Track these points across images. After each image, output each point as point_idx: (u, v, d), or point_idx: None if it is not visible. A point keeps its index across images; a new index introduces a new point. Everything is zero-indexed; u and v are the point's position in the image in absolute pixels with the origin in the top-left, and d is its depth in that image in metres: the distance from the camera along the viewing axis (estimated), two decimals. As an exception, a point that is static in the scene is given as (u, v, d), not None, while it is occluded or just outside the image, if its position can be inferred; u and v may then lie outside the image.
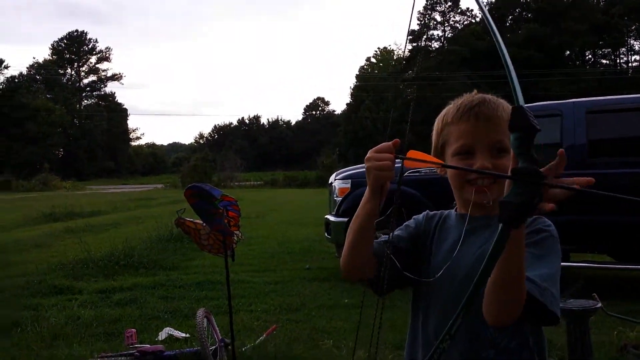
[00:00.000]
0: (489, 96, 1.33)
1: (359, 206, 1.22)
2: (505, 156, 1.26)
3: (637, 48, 59.97)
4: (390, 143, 1.10)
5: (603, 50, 61.07)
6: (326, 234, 7.39)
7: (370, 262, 1.29)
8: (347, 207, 6.90)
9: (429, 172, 6.53)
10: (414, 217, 1.46)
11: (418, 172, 6.68)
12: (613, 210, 5.76)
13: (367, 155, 1.15)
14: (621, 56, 61.52)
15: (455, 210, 1.40)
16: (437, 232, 1.39)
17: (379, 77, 67.11)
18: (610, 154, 6.25)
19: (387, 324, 4.82)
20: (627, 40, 59.46)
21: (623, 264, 6.03)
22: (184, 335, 4.65)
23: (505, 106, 1.31)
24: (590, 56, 61.95)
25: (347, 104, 70.11)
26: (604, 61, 61.77)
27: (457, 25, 64.40)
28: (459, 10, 64.72)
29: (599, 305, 3.45)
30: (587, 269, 6.10)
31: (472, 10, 64.78)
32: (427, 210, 1.47)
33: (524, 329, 1.23)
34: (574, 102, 6.50)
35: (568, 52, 60.40)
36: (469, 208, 1.33)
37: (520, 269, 1.03)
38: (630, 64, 60.96)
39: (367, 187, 1.20)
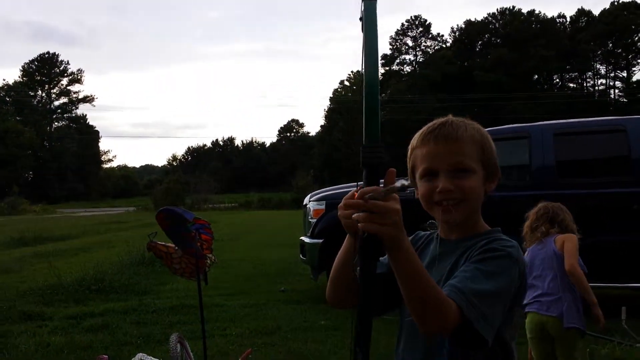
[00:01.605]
0: (453, 118, 1.35)
1: (343, 243, 1.27)
2: (468, 176, 1.28)
3: (602, 72, 61.78)
4: (352, 191, 1.12)
5: (570, 74, 62.81)
6: (301, 256, 7.37)
7: (351, 295, 1.29)
8: (322, 228, 6.91)
9: (408, 193, 6.60)
10: None
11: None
12: (582, 229, 5.87)
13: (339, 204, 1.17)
14: (587, 80, 63.28)
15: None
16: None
17: (352, 100, 67.76)
18: (578, 175, 6.41)
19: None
20: (593, 64, 61.27)
21: (593, 283, 6.12)
22: (157, 360, 4.57)
23: (470, 127, 1.33)
24: (557, 80, 63.59)
25: (321, 126, 70.57)
26: (571, 85, 63.44)
27: (429, 50, 65.62)
28: (430, 36, 66.02)
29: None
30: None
31: (442, 35, 66.22)
32: (418, 232, 1.49)
33: (475, 355, 1.24)
34: (541, 124, 6.67)
35: (536, 76, 61.93)
36: (442, 229, 1.38)
37: (414, 287, 1.07)
38: (596, 88, 62.71)
39: None
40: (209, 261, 3.92)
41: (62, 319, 6.24)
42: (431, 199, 1.31)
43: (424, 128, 1.36)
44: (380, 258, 1.36)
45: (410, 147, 1.39)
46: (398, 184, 0.90)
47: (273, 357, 4.61)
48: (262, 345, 5.00)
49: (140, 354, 4.71)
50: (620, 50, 59.11)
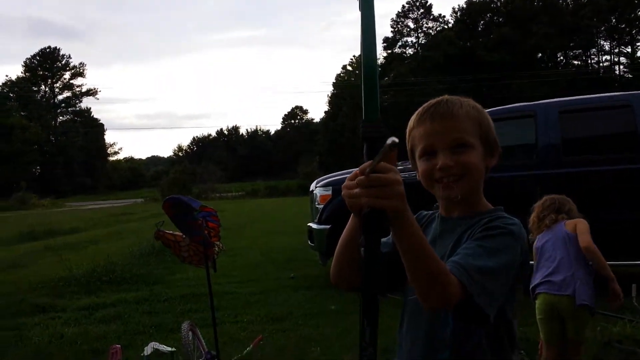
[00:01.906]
0: (448, 97, 1.36)
1: (348, 223, 1.27)
2: (467, 151, 1.29)
3: (607, 48, 61.15)
4: (356, 170, 1.12)
5: (574, 51, 62.19)
6: (309, 242, 7.40)
7: (356, 275, 1.31)
8: (329, 214, 6.92)
9: (408, 177, 6.60)
10: None
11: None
12: (589, 207, 5.85)
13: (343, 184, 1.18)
14: (592, 57, 62.67)
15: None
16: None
17: (355, 85, 67.48)
18: (585, 152, 6.38)
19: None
20: (597, 41, 60.62)
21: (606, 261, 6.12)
22: (169, 349, 4.60)
23: (466, 104, 1.34)
24: (561, 58, 63.00)
25: (325, 112, 70.39)
26: (576, 62, 62.85)
27: (430, 31, 65.10)
28: (432, 17, 65.46)
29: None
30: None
31: (444, 16, 65.63)
32: (421, 211, 1.49)
33: (478, 331, 1.25)
34: (547, 102, 6.63)
35: (540, 55, 61.38)
36: (443, 207, 1.38)
37: (418, 261, 1.07)
38: (600, 64, 62.10)
39: None
40: (217, 249, 3.94)
41: (74, 310, 6.31)
42: (431, 177, 1.32)
43: (420, 109, 1.37)
44: (384, 239, 1.36)
45: (407, 129, 1.39)
46: (388, 141, 0.88)
47: (284, 343, 4.64)
48: (273, 332, 5.04)
49: (153, 342, 4.75)
50: (623, 26, 58.38)
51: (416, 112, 1.37)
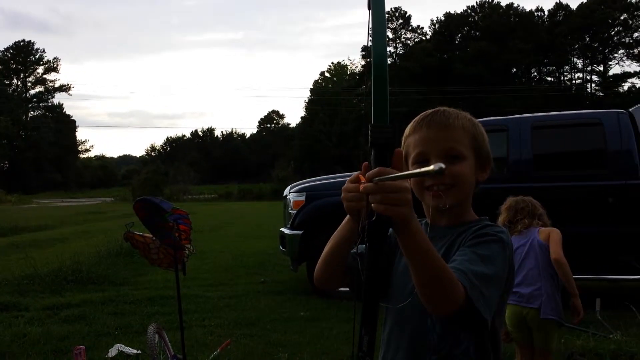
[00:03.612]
0: (446, 108, 1.38)
1: (341, 224, 1.27)
2: (459, 162, 1.30)
3: (579, 66, 62.50)
4: (357, 173, 1.13)
5: (548, 68, 63.46)
6: (281, 247, 7.38)
7: (340, 276, 1.35)
8: (302, 220, 6.92)
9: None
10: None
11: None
12: (557, 221, 5.96)
13: (343, 187, 1.19)
14: (565, 74, 64.00)
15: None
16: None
17: (333, 91, 67.73)
18: (555, 168, 6.49)
19: (343, 336, 4.86)
20: (571, 58, 61.96)
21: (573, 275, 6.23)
22: (135, 351, 4.55)
23: (462, 116, 1.36)
24: (535, 74, 64.22)
25: (301, 117, 70.44)
26: (549, 78, 64.13)
27: (408, 42, 65.77)
28: (410, 28, 66.15)
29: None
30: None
31: (422, 27, 66.40)
32: None
33: (467, 338, 1.26)
34: (519, 117, 6.74)
35: (514, 70, 62.48)
36: (430, 215, 1.39)
37: (426, 267, 1.07)
38: (573, 81, 63.45)
39: None
40: (187, 252, 3.89)
41: (38, 309, 6.17)
42: (422, 185, 1.33)
43: (417, 117, 1.39)
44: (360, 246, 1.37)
45: (403, 136, 1.41)
46: (435, 166, 0.85)
47: (252, 347, 4.61)
48: (242, 336, 5.00)
49: (118, 344, 4.70)
50: (597, 44, 59.84)
51: (413, 120, 1.39)
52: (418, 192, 1.35)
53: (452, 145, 1.31)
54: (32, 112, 77.95)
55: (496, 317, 1.26)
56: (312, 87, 72.88)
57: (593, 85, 63.07)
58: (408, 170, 1.33)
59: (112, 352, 4.55)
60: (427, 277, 1.08)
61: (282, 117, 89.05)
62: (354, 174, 1.15)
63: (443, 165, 0.84)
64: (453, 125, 1.33)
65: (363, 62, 63.54)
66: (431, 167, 0.85)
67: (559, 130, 6.59)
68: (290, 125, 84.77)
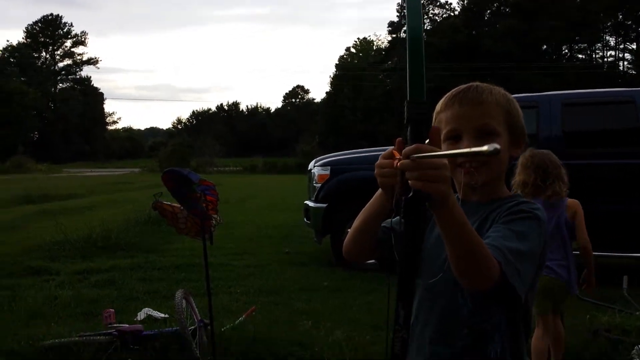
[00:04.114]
0: (478, 83, 1.35)
1: (372, 198, 1.27)
2: (493, 138, 1.27)
3: (612, 44, 60.84)
4: (391, 149, 1.13)
5: (579, 45, 61.86)
6: (305, 220, 7.44)
7: (371, 250, 1.36)
8: (326, 193, 6.96)
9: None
10: None
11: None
12: (585, 199, 5.89)
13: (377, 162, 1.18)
14: (597, 51, 62.38)
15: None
16: (433, 218, 1.42)
17: (358, 67, 67.10)
18: (586, 146, 6.39)
19: (365, 307, 4.91)
20: (603, 36, 60.30)
21: (595, 251, 6.18)
22: (163, 315, 4.66)
23: (496, 91, 1.33)
24: (566, 51, 62.69)
25: (326, 93, 70.05)
26: (580, 56, 62.57)
27: (436, 18, 64.60)
28: (438, 3, 64.91)
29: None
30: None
31: (450, 3, 65.09)
32: None
33: (498, 313, 1.24)
34: (550, 94, 6.62)
35: (545, 47, 61.08)
36: (462, 191, 1.36)
37: (463, 242, 1.06)
38: (605, 59, 61.85)
39: None
40: (214, 222, 3.95)
41: (69, 274, 6.34)
42: (454, 161, 1.29)
43: (449, 93, 1.36)
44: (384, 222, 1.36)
45: (434, 112, 1.38)
46: (490, 147, 0.81)
47: (277, 315, 4.69)
48: (266, 304, 5.09)
49: (147, 308, 4.81)
50: (630, 22, 58.07)
51: (445, 96, 1.37)
52: (450, 168, 1.34)
53: (485, 121, 1.29)
54: (60, 85, 79.07)
55: (529, 293, 1.24)
56: (337, 62, 72.30)
57: (625, 63, 61.43)
58: (443, 147, 1.30)
59: (141, 315, 4.66)
60: (462, 252, 1.07)
61: (307, 92, 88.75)
62: (388, 149, 1.14)
63: (498, 146, 0.81)
64: (486, 101, 1.30)
65: (389, 38, 62.80)
66: (485, 148, 0.82)
67: (590, 108, 6.47)
68: (315, 100, 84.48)
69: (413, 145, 1.02)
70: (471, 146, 1.25)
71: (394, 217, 1.20)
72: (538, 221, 1.23)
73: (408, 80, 1.10)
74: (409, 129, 1.08)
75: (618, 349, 3.56)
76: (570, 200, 3.36)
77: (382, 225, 1.32)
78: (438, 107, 1.37)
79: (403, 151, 1.03)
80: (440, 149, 1.05)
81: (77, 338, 3.79)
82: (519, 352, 1.27)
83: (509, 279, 1.11)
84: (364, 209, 1.30)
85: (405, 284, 1.11)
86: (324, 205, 6.90)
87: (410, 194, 1.04)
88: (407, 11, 1.16)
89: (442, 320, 1.28)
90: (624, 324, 3.92)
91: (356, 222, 1.32)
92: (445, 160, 1.02)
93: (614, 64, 61.28)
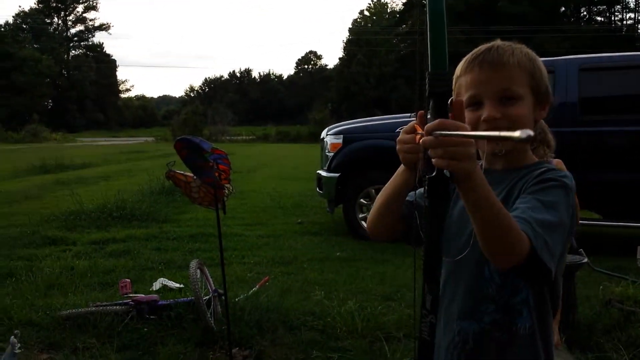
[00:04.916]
0: (499, 43, 1.28)
1: (394, 174, 1.24)
2: (516, 103, 1.23)
3: (632, 6, 59.27)
4: (412, 123, 1.08)
5: (598, 7, 60.33)
6: (318, 189, 7.43)
7: (395, 226, 1.32)
8: (339, 162, 6.93)
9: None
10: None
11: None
12: (600, 167, 5.83)
13: (398, 137, 1.14)
14: (616, 14, 60.84)
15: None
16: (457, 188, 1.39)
17: (372, 31, 66.15)
18: (602, 112, 6.27)
19: (378, 277, 4.93)
20: (623, -3, 58.71)
21: (609, 221, 6.14)
22: (177, 285, 4.72)
23: (517, 51, 1.26)
24: (585, 13, 61.22)
25: (339, 58, 69.36)
26: (599, 18, 61.09)
27: (452, -22, 63.16)
28: (455, -36, 63.38)
29: (586, 260, 3.55)
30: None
31: (467, -37, 63.45)
32: None
33: (526, 287, 1.22)
34: (566, 58, 6.47)
35: (563, 9, 59.66)
36: (486, 159, 1.33)
37: (490, 219, 1.02)
38: (624, 22, 60.35)
39: None
40: (227, 191, 3.95)
41: (85, 244, 6.43)
42: (476, 129, 1.25)
43: (468, 55, 1.29)
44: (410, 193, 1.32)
45: (454, 76, 1.32)
46: (522, 133, 0.72)
47: (290, 285, 4.73)
48: (279, 274, 5.13)
49: (162, 278, 4.88)
50: (652, -17, 56.50)
51: (464, 59, 1.30)
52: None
53: (506, 86, 1.22)
54: (73, 52, 79.06)
55: (558, 264, 1.19)
56: (350, 26, 71.39)
57: (646, 26, 59.91)
58: (466, 119, 1.26)
59: (156, 285, 4.73)
60: (490, 230, 1.03)
61: (319, 57, 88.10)
62: (410, 123, 1.10)
63: (531, 133, 0.74)
64: (507, 63, 1.23)
65: (404, 0, 61.63)
66: (517, 134, 0.74)
67: (608, 73, 6.31)
68: (328, 67, 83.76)
69: (436, 121, 0.97)
70: (493, 111, 1.22)
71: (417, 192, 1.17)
72: (566, 189, 1.18)
73: (429, 49, 1.04)
74: (430, 103, 1.03)
75: (631, 319, 3.55)
76: (555, 160, 3.27)
77: (406, 199, 1.28)
78: (457, 70, 1.31)
79: (425, 127, 0.98)
80: (463, 122, 0.99)
81: (93, 308, 3.86)
82: (546, 326, 1.25)
83: (539, 253, 1.06)
84: (386, 186, 1.26)
85: (431, 267, 1.07)
86: (337, 174, 6.88)
87: (434, 173, 1.01)
88: None
89: (469, 296, 1.25)
90: (637, 294, 3.91)
91: (379, 199, 1.29)
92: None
93: (634, 26, 59.75)
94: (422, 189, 1.12)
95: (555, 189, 1.17)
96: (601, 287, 4.12)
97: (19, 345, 2.96)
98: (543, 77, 1.28)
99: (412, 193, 1.29)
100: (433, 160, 0.98)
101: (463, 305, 1.27)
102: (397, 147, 1.13)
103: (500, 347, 1.22)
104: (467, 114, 1.25)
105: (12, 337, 2.95)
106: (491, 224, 1.02)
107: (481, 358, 1.24)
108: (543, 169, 1.22)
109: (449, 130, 0.95)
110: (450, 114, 1.01)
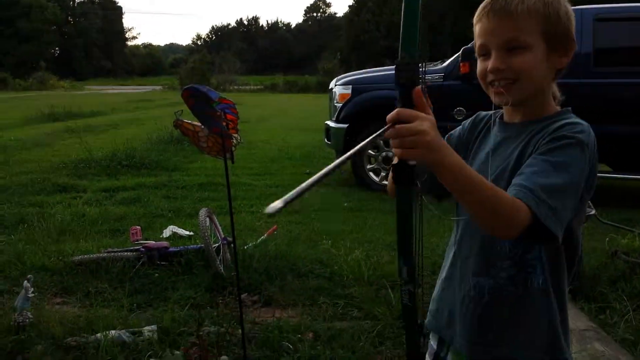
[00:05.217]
0: None
1: None
2: (522, 52, 1.19)
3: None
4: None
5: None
6: (326, 140, 7.41)
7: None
8: (348, 113, 6.89)
9: (434, 80, 6.47)
10: (463, 122, 1.42)
11: (424, 80, 6.61)
12: (612, 120, 5.78)
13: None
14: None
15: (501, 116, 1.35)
16: (477, 141, 1.36)
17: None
18: (616, 64, 6.16)
19: (383, 227, 4.98)
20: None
21: (619, 173, 6.11)
22: (187, 233, 4.79)
23: None
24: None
25: (349, 6, 67.96)
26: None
27: None
28: None
29: (593, 212, 3.55)
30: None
31: None
32: (479, 112, 1.41)
33: (538, 245, 1.21)
34: (581, 8, 6.31)
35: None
36: (506, 111, 1.31)
37: (470, 200, 1.03)
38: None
39: None
40: (234, 141, 3.95)
41: (95, 191, 6.50)
42: (485, 80, 1.24)
43: (484, 1, 1.25)
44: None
45: (474, 24, 1.30)
46: (270, 209, 0.70)
47: (297, 234, 4.78)
48: (287, 223, 5.18)
49: (172, 226, 4.95)
50: None
51: (480, 5, 1.26)
52: (484, 87, 1.27)
53: (512, 36, 1.18)
54: (78, -2, 77.77)
55: (575, 220, 1.18)
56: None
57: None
58: (477, 69, 1.25)
59: (166, 232, 4.80)
60: (475, 209, 1.03)
61: (328, 5, 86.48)
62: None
63: (277, 208, 0.70)
64: (515, 11, 1.18)
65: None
66: (267, 209, 0.71)
67: (624, 24, 6.16)
68: (337, 15, 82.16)
69: (394, 112, 0.97)
70: (496, 62, 1.20)
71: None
72: (580, 146, 1.13)
73: (400, 37, 1.04)
74: (398, 94, 1.03)
75: (636, 271, 3.59)
76: None
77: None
78: (475, 18, 1.27)
79: (387, 118, 0.98)
80: (424, 110, 0.99)
81: (105, 254, 3.93)
82: (561, 282, 1.25)
83: (543, 220, 1.04)
84: None
85: (404, 242, 1.14)
86: (345, 125, 6.85)
87: (396, 162, 1.02)
88: None
89: (484, 253, 1.26)
90: (643, 247, 3.93)
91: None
92: (424, 126, 0.96)
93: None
94: None
95: (569, 147, 1.13)
96: (607, 239, 4.14)
97: (32, 289, 3.04)
98: (561, 20, 1.21)
99: None
100: (393, 149, 0.99)
101: (478, 262, 1.28)
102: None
103: (515, 301, 1.24)
104: (479, 64, 1.26)
105: (26, 281, 3.02)
106: (475, 203, 1.03)
107: (497, 311, 1.26)
108: (561, 123, 1.18)
109: (406, 121, 0.96)
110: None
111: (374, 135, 0.97)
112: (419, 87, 1.02)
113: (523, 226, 1.04)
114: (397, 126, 0.96)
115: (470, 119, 1.42)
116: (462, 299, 1.30)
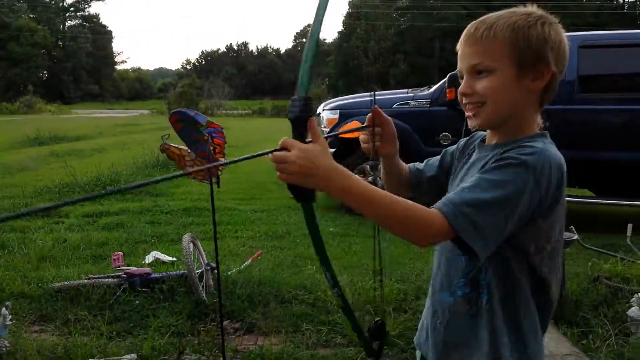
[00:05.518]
0: (486, 17, 1.24)
1: None
2: (486, 77, 1.20)
3: (635, -17, 58.58)
4: (369, 116, 1.34)
5: (600, -16, 59.69)
6: (313, 164, 7.39)
7: (407, 186, 1.53)
8: (335, 138, 6.89)
9: (418, 105, 6.53)
10: (459, 141, 1.47)
11: (407, 104, 6.66)
12: (595, 146, 5.84)
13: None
14: (618, -9, 60.17)
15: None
16: (463, 160, 1.41)
17: (371, 4, 65.41)
18: (600, 90, 6.24)
19: (369, 252, 4.94)
20: (626, -26, 58.01)
21: (602, 199, 6.16)
22: (170, 258, 4.73)
23: (501, 23, 1.20)
24: (587, -10, 60.56)
25: (338, 33, 68.69)
26: (601, -5, 60.43)
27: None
28: None
29: (576, 237, 3.56)
30: (567, 202, 6.24)
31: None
32: (476, 132, 1.40)
33: (485, 266, 1.20)
34: (567, 35, 6.41)
35: (565, -15, 59.00)
36: (487, 134, 1.36)
37: (371, 214, 1.10)
38: (626, 0, 59.77)
39: None
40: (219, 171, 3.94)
41: (78, 216, 6.42)
42: (462, 103, 1.29)
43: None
44: (431, 159, 1.52)
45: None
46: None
47: (282, 259, 4.74)
48: (272, 248, 5.14)
49: (155, 252, 4.88)
50: (656, -41, 55.78)
51: None
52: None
53: (477, 61, 1.21)
54: (69, 22, 78.13)
55: (535, 254, 1.17)
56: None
57: (648, 3, 59.31)
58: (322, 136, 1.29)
59: (149, 258, 4.74)
60: (382, 223, 1.13)
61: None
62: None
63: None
64: (482, 37, 1.20)
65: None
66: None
67: (608, 51, 6.25)
68: (326, 41, 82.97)
69: (280, 141, 1.10)
70: (463, 86, 1.26)
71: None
72: (525, 167, 1.11)
73: (299, 75, 1.16)
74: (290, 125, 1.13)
75: (617, 296, 3.59)
76: None
77: (410, 170, 1.52)
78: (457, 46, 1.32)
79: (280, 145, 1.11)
80: (318, 139, 1.10)
81: (86, 280, 3.86)
82: (514, 311, 1.21)
83: (459, 233, 1.08)
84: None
85: (318, 250, 1.26)
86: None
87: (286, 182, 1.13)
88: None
89: (449, 270, 1.30)
90: (625, 272, 3.94)
91: (383, 178, 1.52)
92: (293, 156, 1.07)
93: (635, 4, 59.21)
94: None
95: (509, 167, 1.12)
96: (590, 264, 4.15)
97: (10, 317, 2.97)
98: (531, 45, 1.20)
99: (412, 164, 1.53)
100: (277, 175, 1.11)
101: (444, 278, 1.32)
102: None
103: (469, 320, 1.25)
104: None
105: (4, 308, 2.95)
106: (377, 217, 1.11)
107: (455, 328, 1.28)
108: (516, 145, 1.18)
109: (287, 149, 1.08)
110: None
111: (261, 153, 1.12)
112: (312, 117, 1.14)
113: (438, 237, 1.12)
114: (273, 153, 1.10)
115: (466, 138, 1.46)
116: (432, 315, 1.35)
